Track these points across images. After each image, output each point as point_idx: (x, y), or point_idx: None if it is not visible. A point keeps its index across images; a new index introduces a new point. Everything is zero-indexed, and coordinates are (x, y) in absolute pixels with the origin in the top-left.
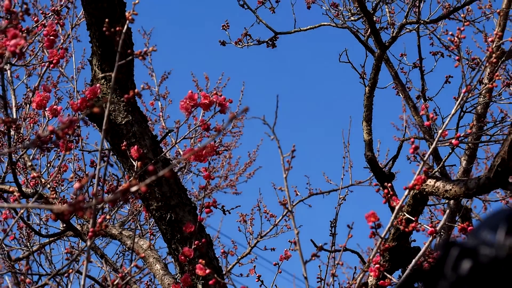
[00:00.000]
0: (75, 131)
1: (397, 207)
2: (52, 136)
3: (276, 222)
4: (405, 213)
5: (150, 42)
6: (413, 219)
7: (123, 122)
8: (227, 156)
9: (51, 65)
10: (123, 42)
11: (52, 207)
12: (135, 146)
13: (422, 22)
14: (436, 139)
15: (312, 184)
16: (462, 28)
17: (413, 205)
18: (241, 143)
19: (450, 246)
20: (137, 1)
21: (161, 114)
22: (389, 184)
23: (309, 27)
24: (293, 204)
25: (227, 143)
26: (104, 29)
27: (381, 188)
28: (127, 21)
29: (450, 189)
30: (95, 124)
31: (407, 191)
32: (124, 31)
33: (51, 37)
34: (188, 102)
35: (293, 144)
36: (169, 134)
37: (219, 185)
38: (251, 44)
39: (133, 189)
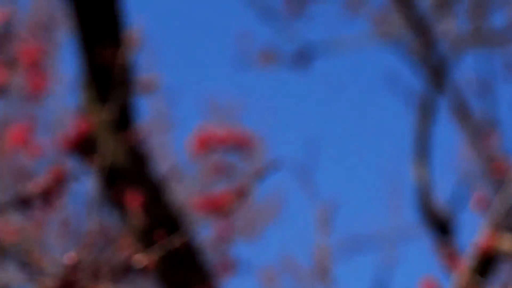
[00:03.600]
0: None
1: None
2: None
3: None
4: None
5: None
6: None
7: (120, 161)
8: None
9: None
10: (125, 69)
11: None
12: (137, 194)
13: None
14: None
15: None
16: None
17: (478, 269)
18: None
19: None
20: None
21: None
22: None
23: None
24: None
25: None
26: (103, 57)
27: (440, 247)
28: (131, 42)
29: None
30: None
31: (471, 260)
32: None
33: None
34: (200, 138)
35: None
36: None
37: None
38: None
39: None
